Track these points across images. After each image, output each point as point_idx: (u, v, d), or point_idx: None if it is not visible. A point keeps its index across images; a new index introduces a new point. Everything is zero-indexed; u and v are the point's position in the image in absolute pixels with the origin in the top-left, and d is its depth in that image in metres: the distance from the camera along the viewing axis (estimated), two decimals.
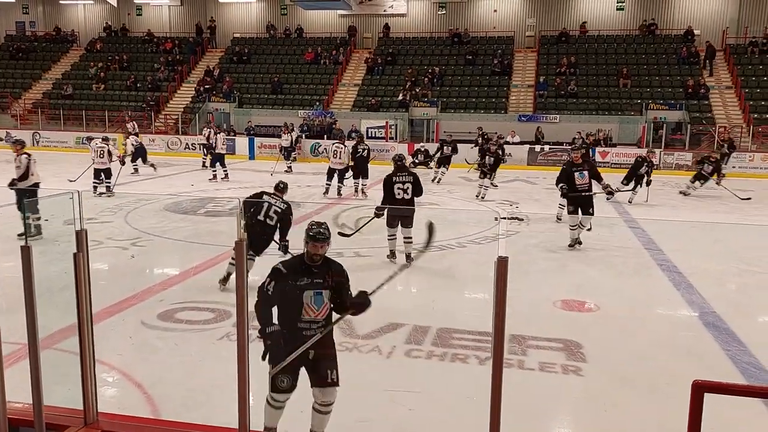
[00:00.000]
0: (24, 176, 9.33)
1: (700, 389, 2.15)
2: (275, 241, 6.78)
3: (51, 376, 2.75)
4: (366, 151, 15.04)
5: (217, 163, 17.03)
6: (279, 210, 6.75)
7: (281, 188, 7.01)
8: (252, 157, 23.78)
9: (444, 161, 18.03)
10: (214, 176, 16.97)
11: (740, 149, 21.94)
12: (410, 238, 8.30)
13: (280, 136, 21.69)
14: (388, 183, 8.45)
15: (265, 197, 6.84)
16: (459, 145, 18.80)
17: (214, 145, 17.41)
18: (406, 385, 4.82)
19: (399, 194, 8.40)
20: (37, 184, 9.33)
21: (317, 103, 26.86)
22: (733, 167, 20.63)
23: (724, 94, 25.03)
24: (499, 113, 25.34)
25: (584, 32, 28.29)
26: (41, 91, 29.93)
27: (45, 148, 24.91)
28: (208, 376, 4.91)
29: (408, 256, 8.27)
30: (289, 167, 19.58)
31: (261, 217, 6.68)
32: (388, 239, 8.46)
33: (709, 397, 2.18)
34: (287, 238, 6.73)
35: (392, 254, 8.47)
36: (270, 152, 22.58)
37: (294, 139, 20.90)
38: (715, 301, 7.00)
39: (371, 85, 27.73)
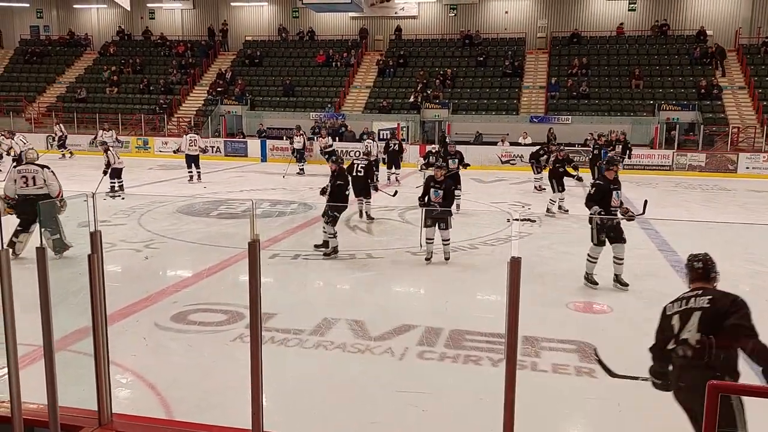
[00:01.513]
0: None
1: (715, 390, 2.13)
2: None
3: (66, 377, 2.76)
4: (397, 144, 17.74)
5: (192, 164, 17.22)
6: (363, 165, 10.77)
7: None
8: (264, 159, 23.85)
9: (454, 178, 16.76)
10: (191, 177, 17.19)
11: (754, 149, 21.79)
12: (447, 240, 8.68)
13: (291, 139, 21.74)
14: (427, 184, 8.86)
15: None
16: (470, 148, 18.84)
17: (181, 146, 17.65)
18: (418, 386, 4.81)
19: (433, 199, 8.70)
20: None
21: (329, 106, 26.91)
22: (747, 168, 20.47)
23: (737, 94, 24.83)
24: (511, 114, 25.28)
25: (621, 33, 28.03)
26: (55, 94, 30.19)
27: (58, 152, 25.12)
28: (221, 378, 4.92)
29: (446, 257, 8.71)
30: (302, 169, 19.63)
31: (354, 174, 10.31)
32: (427, 242, 8.66)
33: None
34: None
35: (428, 254, 8.68)
36: (282, 154, 22.62)
37: (305, 142, 20.88)
38: None
39: (383, 87, 27.74)
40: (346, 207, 9.32)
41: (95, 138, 23.43)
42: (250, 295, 2.53)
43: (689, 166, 21.20)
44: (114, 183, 13.79)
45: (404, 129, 24.50)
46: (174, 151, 18.85)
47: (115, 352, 3.42)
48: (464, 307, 6.83)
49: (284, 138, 23.69)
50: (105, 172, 13.70)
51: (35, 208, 7.86)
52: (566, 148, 22.07)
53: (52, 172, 8.67)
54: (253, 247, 2.48)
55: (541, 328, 5.88)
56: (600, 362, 4.26)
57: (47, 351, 2.58)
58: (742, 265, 8.52)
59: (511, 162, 22.02)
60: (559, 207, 12.58)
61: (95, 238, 2.67)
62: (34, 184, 8.44)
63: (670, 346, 3.62)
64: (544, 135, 23.54)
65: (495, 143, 22.81)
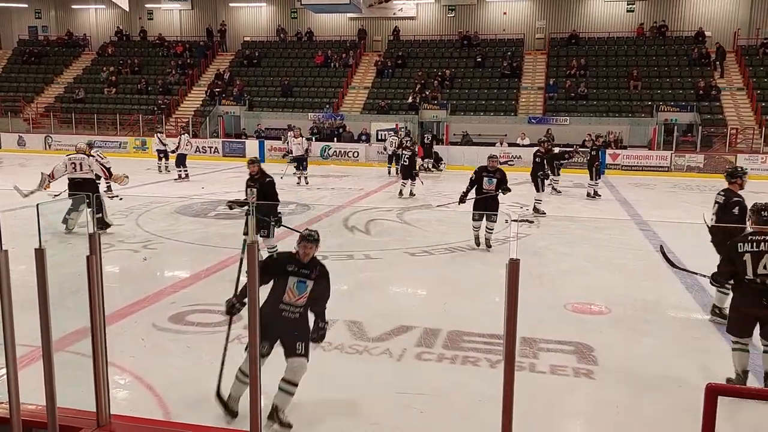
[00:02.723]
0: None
1: (713, 392, 2.13)
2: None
3: (64, 378, 2.76)
4: (429, 138, 20.78)
5: (181, 164, 17.82)
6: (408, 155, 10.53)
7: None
8: (262, 160, 23.80)
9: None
10: (179, 176, 17.65)
11: (752, 151, 21.83)
12: (492, 229, 9.25)
13: (280, 139, 21.82)
14: (479, 174, 9.22)
15: None
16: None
17: (177, 145, 18.26)
18: (417, 387, 4.81)
19: (486, 187, 9.18)
20: None
21: (327, 106, 26.92)
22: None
23: (736, 95, 24.87)
24: (509, 115, 25.31)
25: (641, 33, 27.95)
26: (53, 95, 30.18)
27: (57, 152, 25.07)
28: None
29: (488, 244, 9.26)
30: (305, 179, 17.70)
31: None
32: (474, 230, 9.26)
33: (722, 401, 2.16)
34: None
35: (476, 241, 9.31)
36: (281, 155, 22.64)
37: (306, 148, 18.19)
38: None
39: (381, 88, 27.76)
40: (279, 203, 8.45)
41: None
42: (249, 296, 2.53)
43: (687, 167, 21.23)
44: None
45: (402, 129, 24.53)
46: (171, 151, 18.96)
47: (113, 353, 3.42)
48: (462, 308, 6.83)
49: (281, 139, 23.84)
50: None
51: (79, 190, 9.84)
52: (565, 149, 22.30)
53: (95, 159, 10.63)
54: (252, 248, 2.48)
55: (540, 330, 5.88)
56: (664, 255, 6.19)
57: (46, 352, 2.58)
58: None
59: (509, 163, 22.03)
60: (538, 208, 12.63)
61: (94, 239, 2.67)
62: (81, 170, 10.24)
63: (748, 277, 4.68)
64: (543, 136, 23.58)
65: (493, 144, 22.83)
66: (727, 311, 5.42)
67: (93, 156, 10.66)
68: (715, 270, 5.13)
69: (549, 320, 6.30)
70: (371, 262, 8.83)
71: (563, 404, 4.77)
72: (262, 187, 7.89)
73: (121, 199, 10.88)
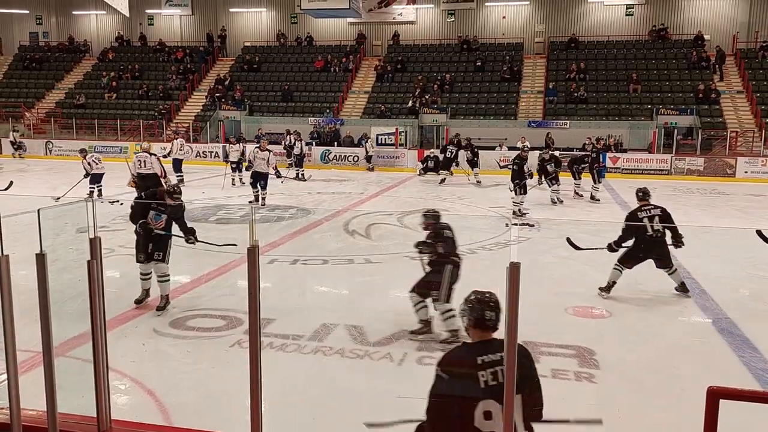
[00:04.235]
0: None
1: (715, 395, 2.13)
2: None
3: (64, 383, 2.76)
4: (453, 152, 19.31)
5: (177, 170, 17.80)
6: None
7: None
8: None
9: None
10: (180, 181, 17.50)
11: (752, 154, 21.84)
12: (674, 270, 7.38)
13: (280, 143, 21.93)
14: (634, 218, 7.32)
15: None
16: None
17: (169, 151, 18.35)
18: (418, 392, 4.79)
19: (650, 231, 7.21)
20: None
21: (327, 111, 26.94)
22: (745, 172, 20.51)
23: (735, 98, 24.89)
24: (509, 119, 25.33)
25: (665, 36, 27.83)
26: (54, 100, 30.21)
27: (57, 157, 25.15)
28: (220, 384, 4.92)
29: (682, 287, 7.33)
30: (302, 175, 19.46)
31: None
32: (614, 269, 7.35)
33: (724, 404, 2.16)
34: None
35: (608, 289, 7.33)
36: (281, 159, 22.63)
37: (302, 148, 20.68)
38: (728, 306, 6.94)
39: (381, 93, 27.79)
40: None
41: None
42: (249, 300, 2.53)
43: (687, 171, 21.24)
44: (93, 188, 14.00)
45: (402, 134, 24.55)
46: (164, 156, 18.99)
47: (113, 359, 3.42)
48: None
49: (280, 143, 23.90)
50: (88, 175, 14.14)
51: (145, 183, 11.79)
52: (564, 152, 22.30)
53: (156, 158, 12.58)
54: (252, 253, 2.48)
55: (541, 333, 5.87)
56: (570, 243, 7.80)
57: (47, 357, 2.57)
58: (741, 270, 8.53)
59: (509, 167, 22.01)
60: (516, 212, 12.61)
61: (95, 244, 2.67)
62: (144, 166, 12.46)
63: (649, 234, 7.18)
64: (543, 140, 23.61)
65: (493, 148, 22.83)
66: (613, 285, 7.29)
67: (155, 155, 12.76)
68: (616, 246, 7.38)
69: (550, 324, 6.29)
70: (372, 266, 8.83)
71: (564, 408, 4.74)
72: (174, 213, 6.91)
73: (121, 204, 10.89)
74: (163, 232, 6.81)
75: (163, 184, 11.37)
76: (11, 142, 25.37)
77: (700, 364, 5.49)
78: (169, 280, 6.77)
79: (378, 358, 5.43)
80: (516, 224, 11.94)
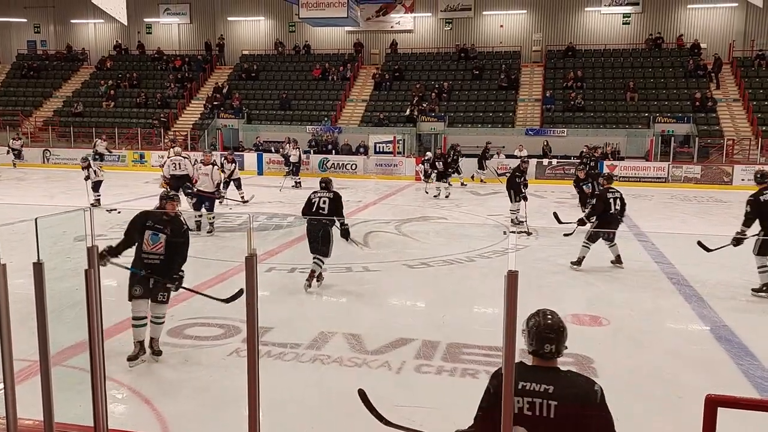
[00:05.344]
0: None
1: (713, 403, 2.13)
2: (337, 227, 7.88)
3: (61, 392, 2.75)
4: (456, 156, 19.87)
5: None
6: (328, 199, 7.95)
7: (326, 183, 8.11)
8: (260, 172, 23.88)
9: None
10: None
11: (749, 161, 21.89)
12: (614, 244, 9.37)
13: (278, 151, 21.94)
14: (604, 195, 9.46)
15: (311, 195, 8.05)
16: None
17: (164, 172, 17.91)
18: (416, 400, 4.80)
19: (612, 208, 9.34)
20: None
21: (325, 119, 26.99)
22: (742, 180, 20.54)
23: (732, 106, 24.98)
24: (507, 127, 25.38)
25: (681, 45, 27.67)
26: (52, 108, 30.22)
27: (55, 166, 25.13)
28: (217, 392, 4.90)
29: (618, 259, 9.30)
30: (298, 182, 19.58)
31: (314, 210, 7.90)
32: (582, 246, 9.23)
33: (722, 412, 2.16)
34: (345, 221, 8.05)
35: (578, 262, 9.17)
36: (278, 167, 22.67)
37: (300, 155, 20.83)
38: (726, 314, 6.94)
39: (379, 101, 27.84)
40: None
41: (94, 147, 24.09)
42: (247, 309, 2.52)
43: (684, 179, 21.28)
44: (99, 196, 14.10)
45: (400, 142, 24.58)
46: (160, 166, 18.84)
47: (110, 368, 3.41)
48: (461, 321, 6.82)
49: (273, 150, 24.03)
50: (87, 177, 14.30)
51: (179, 184, 11.72)
52: (562, 160, 22.36)
53: (189, 162, 12.93)
54: (250, 261, 2.48)
55: None
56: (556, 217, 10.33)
57: (44, 367, 2.57)
58: (739, 277, 8.54)
59: (507, 174, 22.05)
60: (513, 219, 12.60)
61: (92, 252, 2.66)
62: (179, 169, 12.72)
63: (611, 211, 9.17)
64: (540, 148, 23.68)
65: (491, 156, 22.85)
66: (581, 261, 9.02)
67: (188, 158, 13.27)
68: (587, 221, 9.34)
69: None
70: (369, 275, 8.82)
71: None
72: (174, 234, 5.74)
73: (119, 212, 10.87)
74: (159, 260, 5.61)
75: (192, 187, 11.82)
76: (11, 149, 25.28)
77: (698, 372, 5.49)
78: (164, 322, 5.65)
79: (376, 366, 5.42)
80: (514, 232, 11.94)
